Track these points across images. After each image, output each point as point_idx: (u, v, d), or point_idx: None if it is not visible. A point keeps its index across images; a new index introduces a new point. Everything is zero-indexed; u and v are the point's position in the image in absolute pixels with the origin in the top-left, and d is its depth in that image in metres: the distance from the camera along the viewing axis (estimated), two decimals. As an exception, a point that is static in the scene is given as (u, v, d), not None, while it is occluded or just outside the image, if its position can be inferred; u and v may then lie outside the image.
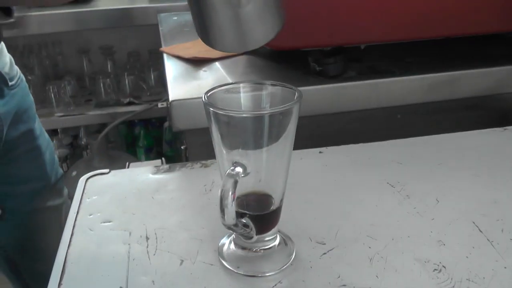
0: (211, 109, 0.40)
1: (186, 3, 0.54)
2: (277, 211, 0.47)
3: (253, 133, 0.41)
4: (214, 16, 0.49)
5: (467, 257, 0.48)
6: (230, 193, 0.39)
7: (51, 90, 1.88)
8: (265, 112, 0.40)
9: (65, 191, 1.01)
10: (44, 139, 0.94)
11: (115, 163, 1.77)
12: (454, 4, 0.83)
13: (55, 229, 0.95)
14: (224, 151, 0.43)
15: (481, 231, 0.52)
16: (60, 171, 1.00)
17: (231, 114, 0.40)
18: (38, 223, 0.93)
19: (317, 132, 0.86)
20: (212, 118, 0.41)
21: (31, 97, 0.93)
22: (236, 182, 0.40)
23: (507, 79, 0.89)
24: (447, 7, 0.83)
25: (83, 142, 2.14)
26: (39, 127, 0.94)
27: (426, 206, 0.57)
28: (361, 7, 0.80)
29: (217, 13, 0.49)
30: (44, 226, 0.94)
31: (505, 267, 0.47)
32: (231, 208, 0.39)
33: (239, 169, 0.40)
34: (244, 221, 0.44)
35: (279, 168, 0.45)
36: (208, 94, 0.43)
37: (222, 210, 0.40)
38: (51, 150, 0.96)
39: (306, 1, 0.77)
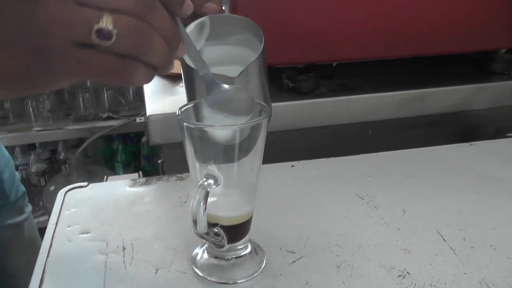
0: (185, 123, 0.42)
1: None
2: (248, 221, 0.49)
3: (224, 146, 0.43)
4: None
5: (430, 264, 0.51)
6: (202, 203, 0.41)
7: (29, 104, 1.88)
8: (235, 126, 0.42)
9: (28, 208, 0.98)
10: (2, 157, 0.90)
11: (94, 178, 1.78)
12: (423, 25, 0.86)
13: (16, 246, 0.94)
14: (197, 165, 0.45)
15: (444, 240, 0.55)
16: (22, 188, 0.97)
17: (203, 128, 0.42)
18: None
19: (290, 147, 0.88)
20: (186, 133, 0.43)
21: None
22: (207, 193, 0.41)
23: (472, 97, 0.93)
24: (416, 28, 0.86)
25: (61, 157, 2.13)
26: None
27: (393, 217, 0.59)
28: (333, 26, 0.83)
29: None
30: (4, 244, 0.92)
31: (465, 273, 0.49)
32: (203, 217, 0.41)
33: (210, 181, 0.42)
34: (216, 230, 0.46)
35: (250, 179, 0.47)
36: (182, 110, 0.45)
37: (194, 220, 0.42)
38: (10, 168, 0.93)
39: (279, 19, 0.80)
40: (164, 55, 0.38)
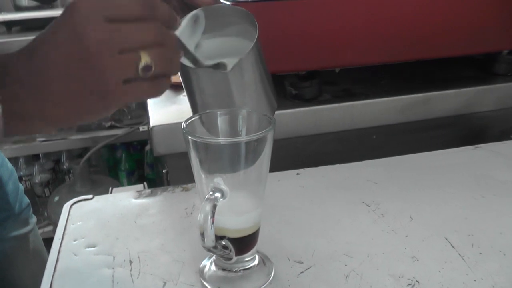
0: (190, 137, 0.42)
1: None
2: (256, 232, 0.49)
3: (230, 159, 0.43)
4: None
5: (439, 271, 0.50)
6: (209, 217, 0.41)
7: (32, 115, 1.88)
8: (241, 139, 0.42)
9: (33, 219, 0.98)
10: (5, 169, 0.90)
11: (98, 187, 1.77)
12: (424, 29, 0.86)
13: (21, 258, 0.94)
14: (203, 176, 0.45)
15: (453, 247, 0.54)
16: (26, 200, 0.97)
17: (208, 142, 0.42)
18: (2, 252, 0.91)
19: (294, 154, 0.87)
20: (191, 146, 0.43)
21: None
22: (215, 207, 0.41)
23: (476, 99, 0.92)
24: (417, 32, 0.86)
25: (65, 167, 2.13)
26: (0, 157, 0.91)
27: (400, 224, 0.59)
28: (335, 32, 0.82)
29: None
30: (9, 255, 0.92)
31: (474, 280, 0.49)
32: (211, 231, 0.41)
33: (218, 194, 0.42)
34: (224, 243, 0.46)
35: (257, 191, 0.47)
36: (187, 123, 0.45)
37: (202, 233, 0.41)
38: (14, 180, 0.93)
39: (281, 26, 0.80)
40: (177, 64, 0.46)
